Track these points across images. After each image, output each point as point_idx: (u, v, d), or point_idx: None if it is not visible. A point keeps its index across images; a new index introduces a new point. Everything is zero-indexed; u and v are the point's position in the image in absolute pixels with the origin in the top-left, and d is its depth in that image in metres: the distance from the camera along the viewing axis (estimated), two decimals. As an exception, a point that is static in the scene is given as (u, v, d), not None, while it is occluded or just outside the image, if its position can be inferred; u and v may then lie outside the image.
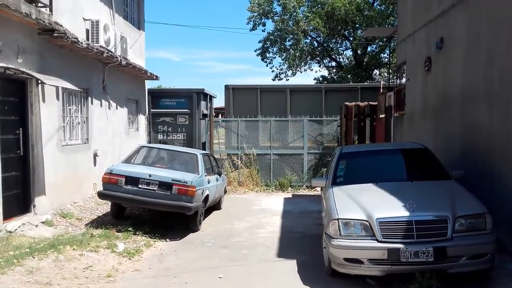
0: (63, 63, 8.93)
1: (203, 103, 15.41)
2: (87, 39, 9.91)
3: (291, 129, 14.28)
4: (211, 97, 16.51)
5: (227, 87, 16.31)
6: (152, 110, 14.78)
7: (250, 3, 26.82)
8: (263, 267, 6.30)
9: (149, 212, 9.34)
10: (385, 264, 5.02)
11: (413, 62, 10.93)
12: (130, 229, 7.77)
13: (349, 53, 29.62)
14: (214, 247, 7.38)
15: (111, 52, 10.59)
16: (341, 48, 29.51)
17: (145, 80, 14.65)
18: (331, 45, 29.02)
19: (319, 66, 30.11)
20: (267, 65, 29.11)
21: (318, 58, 29.29)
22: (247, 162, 13.71)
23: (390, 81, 15.29)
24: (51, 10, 8.23)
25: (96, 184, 9.98)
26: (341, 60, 29.86)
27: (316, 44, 28.50)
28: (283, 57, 28.00)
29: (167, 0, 53.21)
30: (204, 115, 15.27)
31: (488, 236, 5.05)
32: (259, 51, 28.40)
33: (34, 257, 5.93)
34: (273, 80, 28.90)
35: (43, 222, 7.71)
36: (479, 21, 7.28)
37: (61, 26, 8.34)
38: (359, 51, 27.82)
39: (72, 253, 6.30)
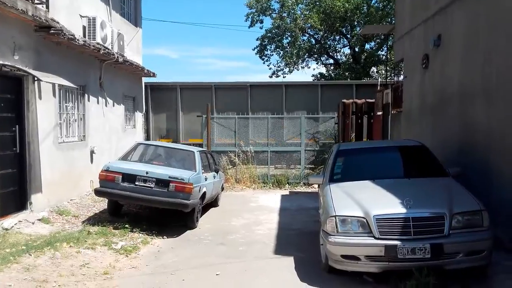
0: (60, 60, 8.90)
1: None
2: (84, 36, 9.88)
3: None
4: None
5: (145, 86, 16.62)
6: None
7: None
8: (260, 264, 6.30)
9: (146, 209, 9.32)
10: (382, 260, 5.01)
11: (410, 60, 10.93)
12: (127, 226, 7.76)
13: (346, 50, 29.61)
14: (211, 244, 7.37)
15: (108, 49, 10.57)
16: (339, 46, 29.49)
17: (142, 77, 14.63)
18: (328, 43, 29.00)
19: (317, 64, 30.09)
20: (264, 63, 29.11)
21: (315, 56, 29.25)
22: (244, 159, 13.70)
23: (388, 78, 15.30)
24: (47, 7, 8.20)
25: (93, 181, 9.97)
26: (339, 57, 29.85)
27: (313, 41, 28.47)
28: (280, 54, 27.96)
29: (164, -3, 53.00)
30: None
31: (485, 232, 5.05)
32: (257, 48, 28.36)
33: (31, 255, 5.92)
34: (270, 77, 28.87)
35: (39, 220, 7.69)
36: (477, 18, 7.28)
37: (58, 23, 8.30)
38: (356, 49, 27.81)
39: (68, 251, 6.29)
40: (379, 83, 15.85)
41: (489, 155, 6.72)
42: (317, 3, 25.73)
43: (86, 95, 10.24)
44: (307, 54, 28.15)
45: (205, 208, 9.68)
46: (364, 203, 5.38)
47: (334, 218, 5.32)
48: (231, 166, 13.72)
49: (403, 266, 4.99)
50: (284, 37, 27.26)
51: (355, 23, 26.32)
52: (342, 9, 24.44)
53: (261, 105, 15.81)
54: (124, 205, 8.99)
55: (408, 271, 4.94)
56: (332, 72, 29.37)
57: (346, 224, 5.27)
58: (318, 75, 29.62)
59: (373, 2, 26.19)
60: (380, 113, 13.53)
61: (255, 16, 27.17)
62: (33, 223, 7.47)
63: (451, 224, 5.00)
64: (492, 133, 6.67)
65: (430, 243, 4.88)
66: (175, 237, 7.78)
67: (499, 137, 6.45)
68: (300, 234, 7.97)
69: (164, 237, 7.71)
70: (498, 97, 6.53)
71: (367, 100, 14.21)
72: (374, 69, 28.10)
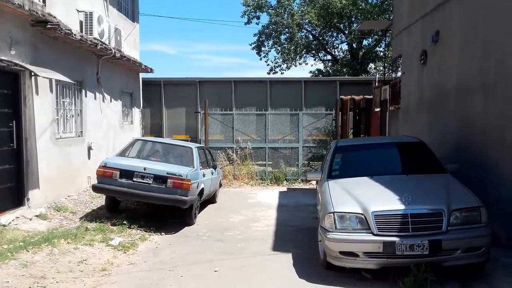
0: (57, 55, 8.85)
1: None
2: (81, 31, 9.83)
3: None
4: None
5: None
6: None
7: None
8: (258, 260, 6.30)
9: (144, 206, 9.31)
10: (381, 257, 5.02)
11: (408, 56, 10.91)
12: (125, 222, 7.75)
13: (344, 46, 29.58)
14: (209, 241, 7.36)
15: (105, 44, 10.51)
16: (337, 42, 29.47)
17: (140, 73, 14.57)
18: (326, 39, 28.96)
19: (314, 60, 30.05)
20: (261, 59, 29.04)
21: (313, 52, 29.21)
22: (242, 155, 13.69)
23: (386, 74, 15.28)
24: (44, 2, 8.16)
25: (91, 177, 9.95)
26: (337, 53, 29.82)
27: (311, 37, 28.42)
28: (278, 50, 27.90)
29: (161, -8, 52.86)
30: None
31: (483, 229, 5.06)
32: (254, 44, 28.29)
33: (28, 251, 5.90)
34: (268, 73, 28.81)
35: (37, 216, 7.67)
36: (475, 14, 7.27)
37: (55, 17, 8.25)
38: (354, 45, 27.78)
39: (66, 247, 6.27)
40: (377, 79, 15.83)
41: (487, 151, 6.73)
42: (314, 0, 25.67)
43: (83, 91, 10.19)
44: (304, 50, 28.11)
45: (203, 205, 9.66)
46: (362, 200, 5.37)
47: (332, 214, 5.32)
48: (228, 163, 13.71)
49: (402, 262, 5.00)
50: (282, 33, 27.21)
51: (353, 19, 26.27)
52: (339, 4, 24.39)
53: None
54: (122, 201, 8.97)
55: (406, 267, 4.94)
56: (330, 68, 29.35)
57: (344, 221, 5.27)
58: (316, 71, 29.61)
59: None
60: (378, 109, 13.52)
61: (251, 13, 27.11)
62: (30, 219, 7.44)
63: (450, 221, 5.01)
64: (490, 129, 6.67)
65: (428, 240, 4.88)
66: (173, 233, 7.76)
67: (497, 133, 6.45)
68: (298, 230, 7.97)
69: (162, 233, 7.69)
70: (496, 93, 6.53)
71: (365, 96, 14.21)
72: (372, 65, 28.10)
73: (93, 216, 8.31)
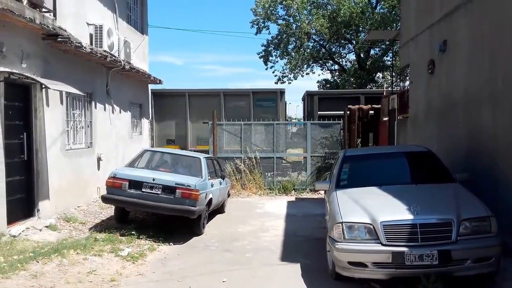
0: (67, 67, 8.97)
1: None
2: (91, 43, 9.95)
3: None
4: None
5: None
6: None
7: (255, 4, 26.83)
8: (267, 271, 6.28)
9: (152, 216, 9.33)
10: (390, 267, 4.98)
11: (416, 65, 10.91)
12: (133, 233, 7.77)
13: (352, 56, 29.63)
14: (217, 251, 7.36)
15: (115, 56, 10.63)
16: (344, 52, 29.54)
17: (149, 84, 14.70)
18: (333, 49, 29.04)
19: (322, 70, 30.13)
20: (266, 69, 29.16)
21: (321, 62, 29.28)
22: (250, 165, 13.68)
23: (394, 84, 15.26)
24: (55, 15, 8.27)
25: (100, 188, 10.01)
26: (344, 63, 29.87)
27: (319, 47, 28.50)
28: (285, 60, 28.00)
29: (169, 4, 53.51)
30: None
31: (493, 239, 5.02)
32: (262, 54, 28.42)
33: (38, 262, 5.94)
34: (276, 83, 28.87)
35: (47, 226, 7.72)
36: (482, 24, 7.27)
37: (65, 31, 8.37)
38: (362, 55, 27.82)
39: (76, 257, 6.31)
40: (385, 88, 15.82)
41: (496, 160, 6.68)
42: (323, 8, 25.79)
43: (93, 102, 10.30)
44: (312, 60, 28.18)
45: (212, 215, 9.67)
46: (371, 210, 5.36)
47: (341, 224, 5.31)
48: (237, 172, 13.71)
49: (411, 272, 4.96)
50: (290, 43, 27.31)
51: (360, 28, 26.35)
52: (347, 13, 24.43)
53: None
54: (130, 211, 9.00)
55: (415, 278, 4.91)
56: (338, 78, 29.40)
57: (353, 231, 5.25)
58: (323, 81, 29.67)
59: (378, 8, 26.21)
60: (386, 118, 13.50)
61: (261, 23, 27.26)
62: (40, 230, 7.49)
63: (459, 231, 4.97)
64: (499, 138, 6.63)
65: (437, 250, 4.85)
66: (181, 243, 7.77)
67: (506, 142, 6.42)
68: (306, 240, 7.94)
69: (171, 243, 7.71)
70: (504, 102, 6.50)
71: (373, 106, 14.20)
72: (379, 74, 28.12)
73: (102, 226, 8.36)
